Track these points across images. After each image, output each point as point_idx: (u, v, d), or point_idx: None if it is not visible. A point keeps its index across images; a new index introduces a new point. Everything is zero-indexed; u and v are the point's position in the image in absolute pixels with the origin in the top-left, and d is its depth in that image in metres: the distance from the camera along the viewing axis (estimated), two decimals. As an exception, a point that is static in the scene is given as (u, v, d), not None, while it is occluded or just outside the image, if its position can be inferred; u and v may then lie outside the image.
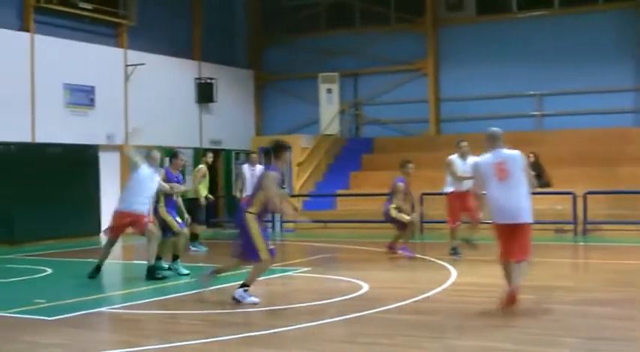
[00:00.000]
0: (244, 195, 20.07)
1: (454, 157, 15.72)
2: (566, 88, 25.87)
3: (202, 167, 18.86)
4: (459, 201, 15.58)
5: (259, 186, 11.06)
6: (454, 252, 15.70)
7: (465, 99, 27.14)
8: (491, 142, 10.39)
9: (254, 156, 20.50)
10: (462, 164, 15.51)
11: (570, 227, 21.29)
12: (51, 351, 8.41)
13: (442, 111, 27.97)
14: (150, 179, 13.53)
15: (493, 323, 9.51)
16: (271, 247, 11.12)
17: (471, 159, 14.40)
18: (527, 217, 10.10)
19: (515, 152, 10.35)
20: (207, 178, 19.16)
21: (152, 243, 13.43)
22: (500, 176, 10.11)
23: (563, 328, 9.22)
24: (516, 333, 8.96)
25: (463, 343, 8.48)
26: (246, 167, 20.29)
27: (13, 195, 20.51)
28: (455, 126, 27.19)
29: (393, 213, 16.16)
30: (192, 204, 18.19)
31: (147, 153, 13.96)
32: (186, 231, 14.48)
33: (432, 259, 15.74)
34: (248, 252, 10.98)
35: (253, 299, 10.79)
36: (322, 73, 28.47)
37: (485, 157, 10.35)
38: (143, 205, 13.51)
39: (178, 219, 14.31)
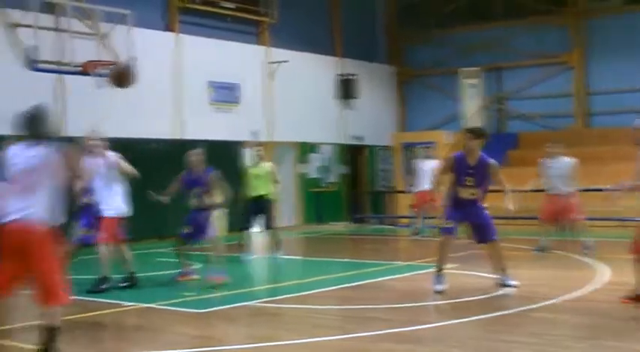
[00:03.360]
0: (418, 189, 20.25)
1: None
2: None
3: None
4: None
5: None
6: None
7: (614, 92, 26.33)
8: None
9: (429, 150, 20.62)
10: None
11: None
12: (203, 343, 8.53)
13: (590, 105, 27.23)
14: None
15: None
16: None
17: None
18: None
19: None
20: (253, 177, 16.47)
21: None
22: None
23: None
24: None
25: (611, 344, 8.15)
26: (419, 161, 20.51)
27: (161, 190, 20.97)
28: (603, 119, 26.45)
29: None
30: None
31: None
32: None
33: (578, 257, 15.34)
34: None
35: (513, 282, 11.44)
36: (464, 68, 28.13)
37: None
38: None
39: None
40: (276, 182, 16.43)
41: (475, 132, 11.41)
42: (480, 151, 11.24)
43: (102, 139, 12.43)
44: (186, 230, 13.07)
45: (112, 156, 12.46)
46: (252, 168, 16.49)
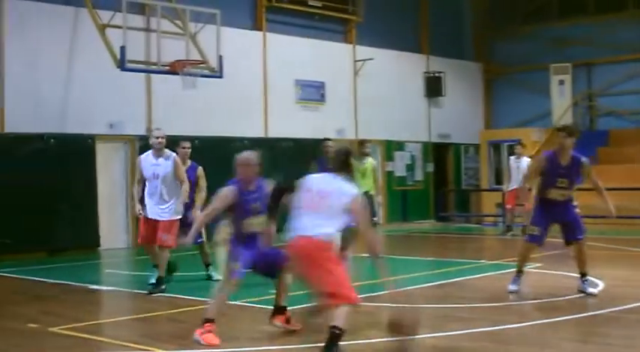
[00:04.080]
0: (510, 187, 19.97)
1: None
2: None
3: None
4: None
5: None
6: None
7: None
8: None
9: (519, 147, 20.26)
10: None
11: None
12: (286, 340, 8.57)
13: (684, 101, 26.60)
14: None
15: None
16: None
17: None
18: None
19: None
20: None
21: None
22: None
23: None
24: None
25: None
26: (512, 159, 20.18)
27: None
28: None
29: None
30: None
31: None
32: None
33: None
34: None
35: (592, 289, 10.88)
36: (554, 63, 27.70)
37: None
38: None
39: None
40: (375, 180, 16.17)
41: (569, 130, 10.96)
42: (572, 150, 10.96)
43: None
44: None
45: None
46: (357, 165, 16.12)
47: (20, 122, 17.73)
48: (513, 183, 20.15)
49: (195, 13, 18.26)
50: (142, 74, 18.94)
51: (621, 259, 15.17)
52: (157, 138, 12.15)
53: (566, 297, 10.71)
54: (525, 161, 19.98)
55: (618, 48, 26.98)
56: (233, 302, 10.68)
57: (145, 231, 12.12)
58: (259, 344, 8.46)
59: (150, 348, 8.09)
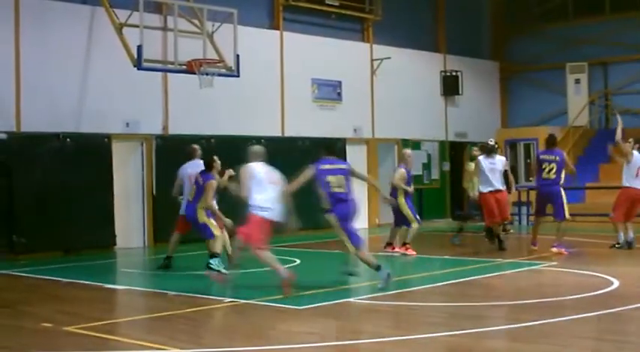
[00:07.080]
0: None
1: None
2: None
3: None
4: None
5: None
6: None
7: None
8: None
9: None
10: None
11: None
12: (304, 339, 8.57)
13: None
14: None
15: None
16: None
17: None
18: None
19: None
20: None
21: None
22: None
23: None
24: None
25: None
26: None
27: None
28: None
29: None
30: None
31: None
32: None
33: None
34: None
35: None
36: (570, 62, 27.60)
37: None
38: None
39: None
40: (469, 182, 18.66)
41: None
42: None
43: None
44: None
45: None
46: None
47: (36, 121, 17.79)
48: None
49: (212, 12, 18.25)
50: (159, 73, 18.99)
51: (634, 257, 15.10)
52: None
53: (582, 295, 10.70)
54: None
55: (634, 47, 26.87)
56: (247, 301, 10.75)
57: None
58: (272, 343, 8.47)
59: (165, 347, 8.12)
